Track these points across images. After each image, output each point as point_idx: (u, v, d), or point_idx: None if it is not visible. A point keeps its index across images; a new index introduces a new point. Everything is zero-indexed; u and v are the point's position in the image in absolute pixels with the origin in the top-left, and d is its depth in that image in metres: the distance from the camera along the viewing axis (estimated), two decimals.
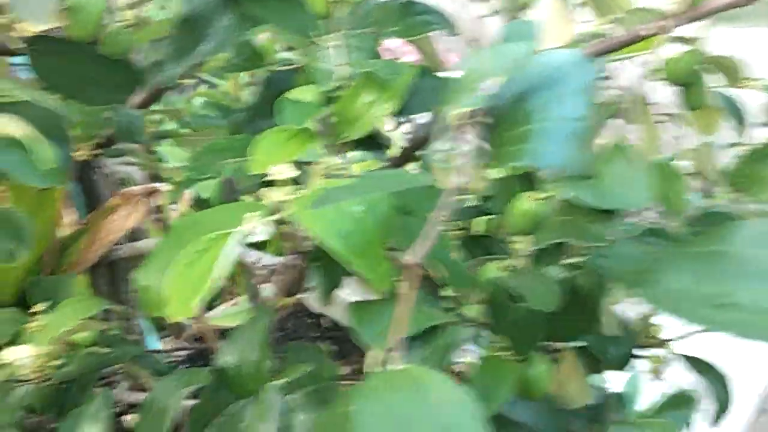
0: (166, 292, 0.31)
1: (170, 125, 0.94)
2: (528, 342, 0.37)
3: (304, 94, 0.41)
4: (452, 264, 0.38)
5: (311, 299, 1.16)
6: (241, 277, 1.05)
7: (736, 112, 0.49)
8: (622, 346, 0.47)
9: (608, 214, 0.32)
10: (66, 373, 0.47)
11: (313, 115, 0.38)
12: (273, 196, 0.35)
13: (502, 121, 0.29)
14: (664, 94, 0.61)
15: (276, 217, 0.33)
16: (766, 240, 0.24)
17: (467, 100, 0.28)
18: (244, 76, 0.99)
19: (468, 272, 0.39)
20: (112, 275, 0.77)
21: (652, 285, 0.25)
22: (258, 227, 0.31)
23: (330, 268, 0.50)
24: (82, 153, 0.57)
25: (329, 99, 0.43)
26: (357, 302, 0.36)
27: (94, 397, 0.45)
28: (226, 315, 0.92)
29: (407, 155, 0.49)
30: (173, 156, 1.11)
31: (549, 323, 0.36)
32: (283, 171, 0.34)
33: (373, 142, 0.53)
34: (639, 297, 0.26)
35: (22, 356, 0.44)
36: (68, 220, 0.74)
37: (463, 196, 0.30)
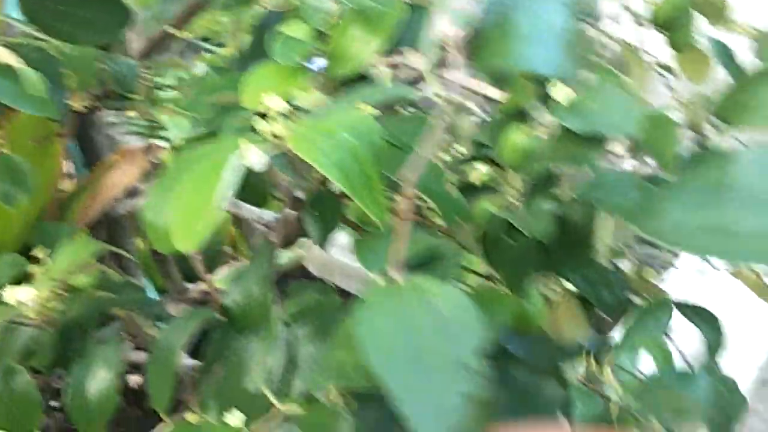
0: (171, 223, 0.32)
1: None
2: (522, 274, 0.37)
3: (295, 30, 0.41)
4: (445, 195, 0.39)
5: (312, 266, 1.17)
6: (241, 241, 1.07)
7: (724, 56, 0.50)
8: (616, 290, 0.48)
9: (597, 140, 0.33)
10: (69, 317, 0.47)
11: (304, 51, 0.39)
12: (268, 127, 0.35)
13: (488, 33, 0.29)
14: (658, 47, 0.61)
15: (272, 142, 0.34)
16: (762, 168, 0.24)
17: (448, 16, 0.28)
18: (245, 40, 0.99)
19: (461, 202, 0.39)
20: (111, 234, 0.78)
21: (652, 217, 0.25)
22: (255, 154, 0.32)
23: (325, 214, 0.51)
24: (78, 104, 0.57)
25: (320, 36, 0.43)
26: (359, 238, 0.36)
27: (107, 341, 0.46)
28: (227, 278, 0.94)
29: None
30: (172, 123, 1.11)
31: (543, 255, 0.37)
32: (277, 102, 0.35)
33: (366, 85, 0.54)
34: (638, 229, 0.25)
35: (24, 297, 0.45)
36: (69, 180, 0.74)
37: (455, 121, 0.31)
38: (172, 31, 0.64)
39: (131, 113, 0.80)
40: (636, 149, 0.47)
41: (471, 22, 0.29)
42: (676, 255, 0.89)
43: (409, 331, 0.25)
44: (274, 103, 0.35)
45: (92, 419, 0.40)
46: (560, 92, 0.37)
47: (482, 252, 0.40)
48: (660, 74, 0.66)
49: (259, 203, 0.87)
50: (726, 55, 0.50)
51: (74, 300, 0.48)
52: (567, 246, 0.37)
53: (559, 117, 0.34)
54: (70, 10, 0.41)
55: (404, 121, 0.38)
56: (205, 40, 1.14)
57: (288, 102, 0.39)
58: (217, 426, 0.34)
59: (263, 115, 0.36)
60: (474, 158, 0.54)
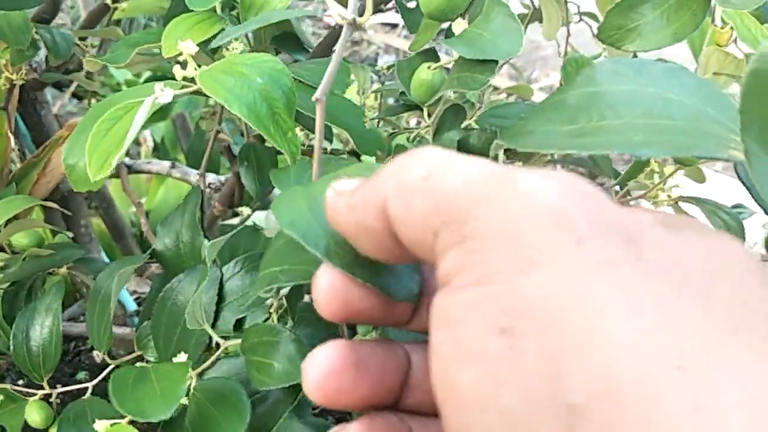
0: (86, 157, 0.34)
1: None
2: None
3: None
4: (362, 130, 0.41)
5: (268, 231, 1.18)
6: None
7: None
8: None
9: (489, 64, 0.35)
10: (10, 275, 0.49)
11: None
12: (182, 71, 0.37)
13: None
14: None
15: (183, 80, 0.35)
16: (619, 75, 0.26)
17: None
18: None
19: (378, 136, 0.42)
20: (66, 209, 0.79)
21: (523, 134, 0.26)
22: (165, 92, 0.34)
23: (258, 168, 0.53)
24: (17, 76, 0.58)
25: None
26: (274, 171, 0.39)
27: (47, 291, 0.48)
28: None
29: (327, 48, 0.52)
30: None
31: None
32: (189, 46, 0.37)
33: (297, 43, 0.56)
34: (514, 146, 0.27)
35: None
36: (20, 159, 0.75)
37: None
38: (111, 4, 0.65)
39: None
40: None
41: None
42: None
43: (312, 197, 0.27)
44: (187, 46, 0.37)
45: (37, 366, 0.42)
46: (459, 26, 0.39)
47: None
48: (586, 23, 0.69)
49: (214, 170, 0.89)
50: None
51: (15, 260, 0.49)
52: None
53: (450, 45, 0.36)
54: None
55: (319, 64, 0.40)
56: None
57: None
58: (163, 365, 0.36)
59: (183, 64, 0.38)
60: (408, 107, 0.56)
